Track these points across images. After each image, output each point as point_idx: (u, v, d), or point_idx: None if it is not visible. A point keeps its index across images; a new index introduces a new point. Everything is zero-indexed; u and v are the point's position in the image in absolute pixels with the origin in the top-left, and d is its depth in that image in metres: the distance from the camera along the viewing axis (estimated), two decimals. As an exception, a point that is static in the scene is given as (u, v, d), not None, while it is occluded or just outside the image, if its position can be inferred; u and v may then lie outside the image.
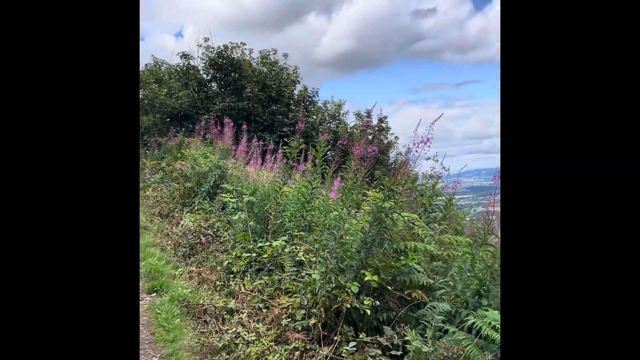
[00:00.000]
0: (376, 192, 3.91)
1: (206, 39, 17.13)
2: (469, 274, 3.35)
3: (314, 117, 18.17)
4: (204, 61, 17.09)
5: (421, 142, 3.60)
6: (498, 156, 3.15)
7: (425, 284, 3.66)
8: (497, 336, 2.64)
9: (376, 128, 19.73)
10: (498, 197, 3.34)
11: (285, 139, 5.14)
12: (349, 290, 3.41)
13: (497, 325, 2.75)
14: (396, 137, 19.13)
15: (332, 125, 18.64)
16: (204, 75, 17.39)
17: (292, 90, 18.05)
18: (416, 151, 3.56)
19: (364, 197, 4.61)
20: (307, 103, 18.61)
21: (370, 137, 18.21)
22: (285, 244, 4.55)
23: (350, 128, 18.10)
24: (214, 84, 17.55)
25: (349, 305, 3.34)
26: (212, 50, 16.84)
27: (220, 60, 16.81)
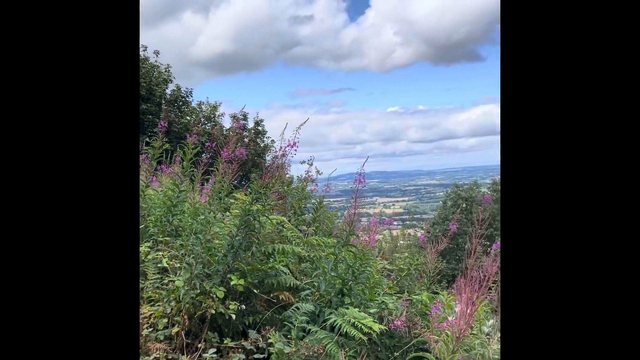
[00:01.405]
0: (245, 195, 3.87)
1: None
2: (332, 273, 3.46)
3: (188, 117, 17.61)
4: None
5: (288, 145, 3.65)
6: (361, 160, 3.28)
7: (292, 285, 3.71)
8: (355, 333, 2.75)
9: (253, 131, 19.70)
10: (360, 199, 3.50)
11: (148, 139, 4.86)
12: (215, 296, 3.33)
13: (357, 322, 2.87)
14: (272, 140, 19.33)
15: (207, 127, 18.20)
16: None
17: (164, 90, 17.30)
18: (283, 155, 3.60)
19: (234, 201, 4.54)
20: (181, 103, 17.97)
21: (246, 140, 18.11)
22: (149, 250, 4.30)
23: (226, 130, 17.85)
24: (75, 79, 16.18)
25: (213, 311, 3.26)
26: (73, 41, 15.52)
27: (83, 53, 15.56)
